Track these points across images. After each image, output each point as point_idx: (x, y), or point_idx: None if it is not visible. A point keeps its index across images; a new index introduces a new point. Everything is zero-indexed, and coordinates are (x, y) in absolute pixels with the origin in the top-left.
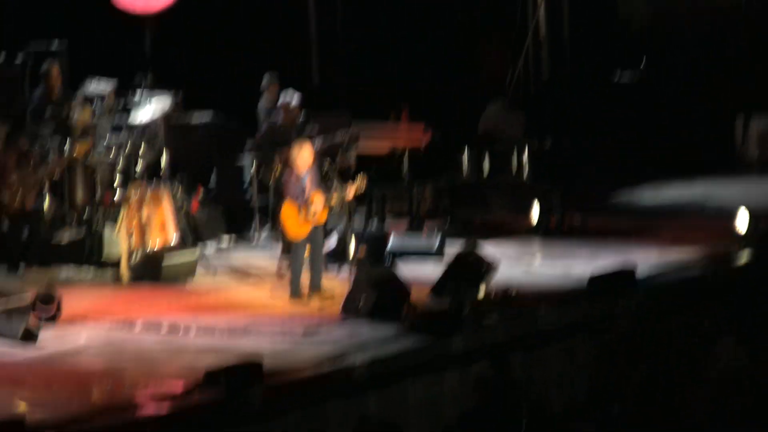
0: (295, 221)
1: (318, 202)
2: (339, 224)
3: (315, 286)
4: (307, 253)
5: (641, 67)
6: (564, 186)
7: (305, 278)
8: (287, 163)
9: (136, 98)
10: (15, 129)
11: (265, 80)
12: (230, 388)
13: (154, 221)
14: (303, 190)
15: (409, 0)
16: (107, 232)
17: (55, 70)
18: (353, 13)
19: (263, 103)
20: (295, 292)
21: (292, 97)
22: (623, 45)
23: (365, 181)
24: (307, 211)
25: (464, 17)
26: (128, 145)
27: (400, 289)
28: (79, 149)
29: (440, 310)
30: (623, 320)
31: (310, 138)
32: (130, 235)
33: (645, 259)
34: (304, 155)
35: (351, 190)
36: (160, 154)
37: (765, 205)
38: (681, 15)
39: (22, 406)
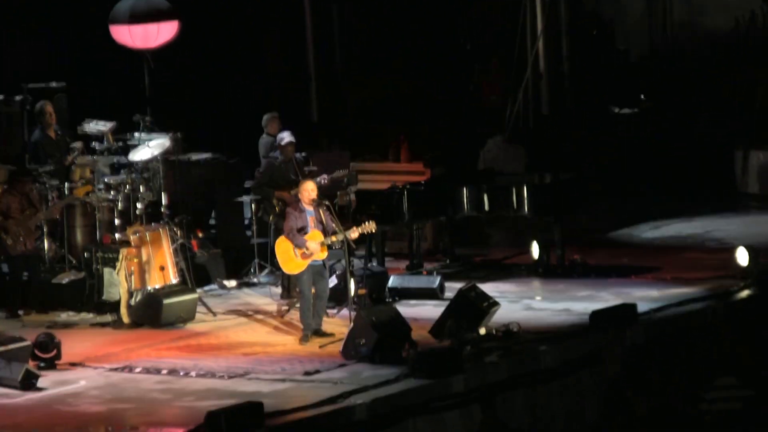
0: (289, 255)
1: (314, 240)
2: (338, 263)
3: (316, 327)
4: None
5: (640, 100)
6: (564, 221)
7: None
8: (286, 202)
9: (135, 138)
10: (16, 171)
11: (266, 117)
12: (231, 429)
13: (153, 262)
14: (305, 227)
15: (407, 37)
16: (107, 273)
17: (48, 108)
18: (351, 49)
19: (264, 140)
20: (306, 333)
21: (286, 136)
22: (622, 77)
23: (374, 226)
24: (304, 248)
25: (463, 53)
26: (127, 186)
27: (400, 328)
28: (79, 191)
29: (441, 350)
30: (625, 355)
31: (313, 175)
32: (129, 277)
33: (645, 295)
34: (307, 192)
35: (356, 233)
36: (160, 194)
37: (765, 239)
38: (679, 45)
39: None
